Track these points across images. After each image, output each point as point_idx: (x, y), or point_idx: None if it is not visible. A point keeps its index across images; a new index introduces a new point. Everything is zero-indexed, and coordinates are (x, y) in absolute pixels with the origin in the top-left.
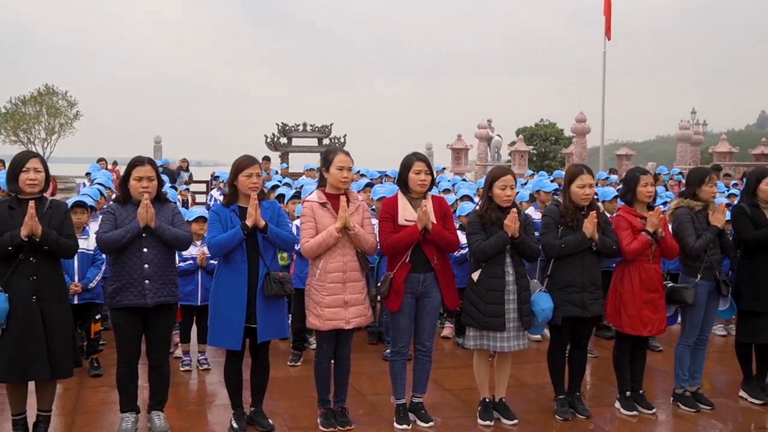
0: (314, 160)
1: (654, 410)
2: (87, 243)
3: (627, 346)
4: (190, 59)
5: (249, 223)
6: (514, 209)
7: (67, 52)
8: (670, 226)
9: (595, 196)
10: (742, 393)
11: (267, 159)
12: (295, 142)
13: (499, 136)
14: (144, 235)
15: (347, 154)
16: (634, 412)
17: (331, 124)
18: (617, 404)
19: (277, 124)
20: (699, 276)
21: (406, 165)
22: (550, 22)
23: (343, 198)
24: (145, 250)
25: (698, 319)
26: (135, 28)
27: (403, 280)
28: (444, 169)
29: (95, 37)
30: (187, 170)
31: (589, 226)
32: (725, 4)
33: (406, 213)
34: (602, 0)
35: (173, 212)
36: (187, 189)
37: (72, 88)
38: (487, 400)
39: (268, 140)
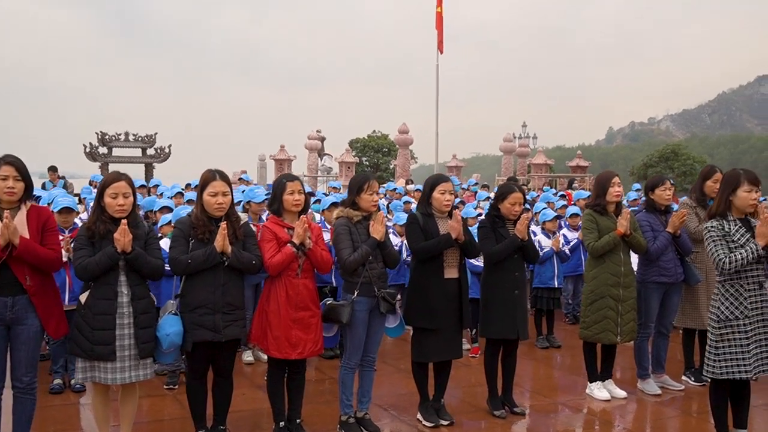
0: (139, 171)
1: None
2: None
3: (281, 373)
4: (17, 55)
5: None
6: (125, 221)
7: None
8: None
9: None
10: (418, 415)
11: (53, 169)
12: (117, 152)
13: (329, 155)
14: None
15: None
16: None
17: (155, 134)
18: None
19: (96, 133)
20: (356, 292)
21: None
22: (409, 38)
23: None
24: None
25: (359, 339)
26: None
27: None
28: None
29: None
30: None
31: (219, 238)
32: (570, 25)
33: None
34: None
35: None
36: None
37: None
38: None
39: (87, 150)
